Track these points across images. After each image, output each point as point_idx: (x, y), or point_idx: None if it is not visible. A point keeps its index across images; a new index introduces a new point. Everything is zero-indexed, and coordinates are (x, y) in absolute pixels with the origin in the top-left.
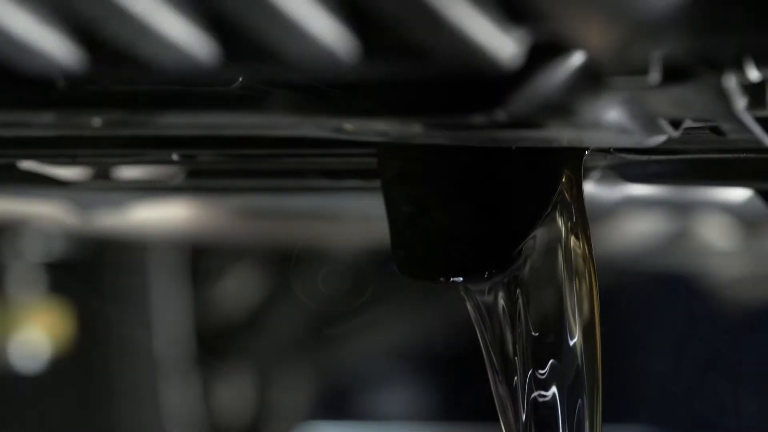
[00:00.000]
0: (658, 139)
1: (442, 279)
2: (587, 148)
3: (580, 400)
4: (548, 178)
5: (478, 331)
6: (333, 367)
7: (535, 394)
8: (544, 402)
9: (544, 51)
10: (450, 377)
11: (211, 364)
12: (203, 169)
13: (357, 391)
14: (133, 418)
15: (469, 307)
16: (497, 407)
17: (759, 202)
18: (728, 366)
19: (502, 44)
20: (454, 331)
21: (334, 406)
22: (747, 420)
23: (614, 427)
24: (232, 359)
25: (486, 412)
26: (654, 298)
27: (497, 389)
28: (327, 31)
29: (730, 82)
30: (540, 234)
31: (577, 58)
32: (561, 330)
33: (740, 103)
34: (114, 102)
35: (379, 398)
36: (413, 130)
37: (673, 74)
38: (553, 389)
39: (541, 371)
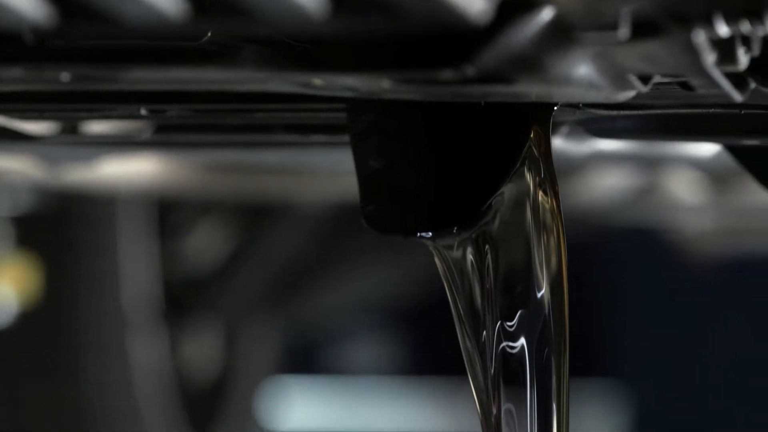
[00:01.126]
0: (628, 95)
1: (410, 234)
2: (556, 104)
3: (547, 353)
4: (517, 133)
5: (446, 286)
6: (301, 322)
7: (504, 344)
8: (511, 354)
9: (513, 6)
10: (418, 331)
11: (179, 318)
12: (171, 123)
13: (325, 345)
14: (101, 371)
15: (437, 261)
16: (465, 361)
17: (727, 157)
18: (696, 319)
19: (472, 0)
20: (422, 286)
21: (302, 361)
22: (714, 371)
23: (582, 380)
24: (200, 313)
25: (454, 366)
26: (622, 252)
27: (465, 343)
28: None
29: (700, 37)
30: (508, 189)
31: (546, 14)
32: (529, 283)
33: (709, 58)
34: (82, 57)
35: (346, 353)
36: (382, 85)
37: (643, 30)
38: (521, 341)
39: (509, 323)
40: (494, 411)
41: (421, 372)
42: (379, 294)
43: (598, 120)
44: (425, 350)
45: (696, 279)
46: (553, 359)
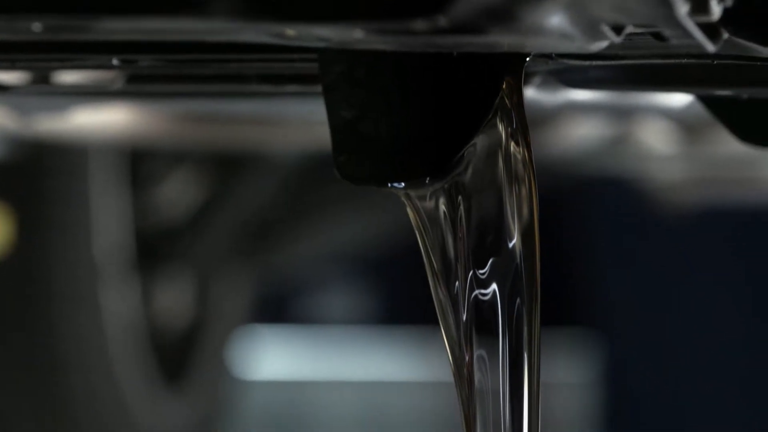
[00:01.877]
0: (600, 45)
1: (383, 184)
2: (528, 54)
3: (518, 301)
4: (489, 83)
5: (418, 237)
6: (273, 271)
7: (476, 293)
8: (483, 302)
9: None
10: (390, 281)
11: (152, 267)
12: (144, 74)
13: (297, 294)
14: (73, 321)
15: (409, 212)
16: (438, 312)
17: (699, 107)
18: (668, 267)
19: None
20: (394, 236)
21: (274, 310)
22: (685, 319)
23: (554, 329)
24: (173, 263)
25: (426, 315)
26: (594, 202)
27: (438, 294)
28: None
29: None
30: (481, 140)
31: None
32: (501, 233)
33: (682, 8)
34: (54, 6)
35: (319, 302)
36: (354, 35)
37: None
38: (493, 290)
39: (481, 271)
40: (466, 359)
41: (393, 321)
42: (352, 243)
43: (570, 70)
44: (397, 299)
45: (667, 228)
46: (524, 308)
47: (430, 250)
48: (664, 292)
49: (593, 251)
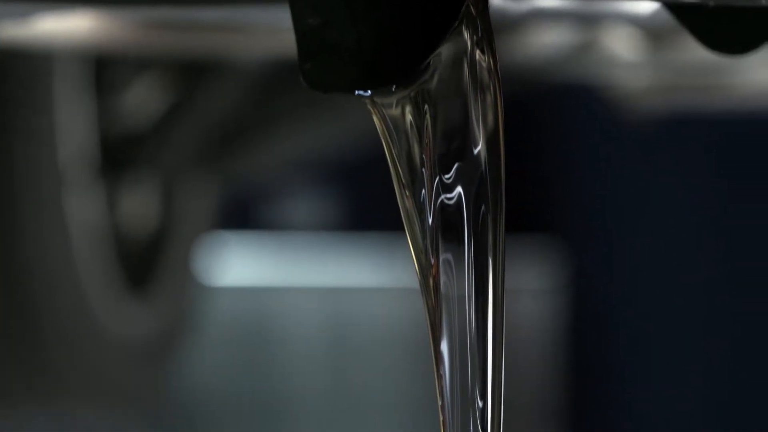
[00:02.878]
0: None
1: (348, 92)
2: None
3: (484, 208)
4: None
5: (384, 144)
6: (239, 178)
7: (441, 199)
8: (449, 209)
9: None
10: (355, 187)
11: (116, 174)
12: None
13: (262, 201)
14: (38, 227)
15: (375, 120)
16: (403, 219)
17: (665, 14)
18: (633, 174)
19: None
20: (360, 143)
21: (240, 216)
22: (650, 226)
23: (519, 236)
24: (137, 169)
25: (391, 221)
26: (560, 109)
27: (404, 203)
28: None
29: None
30: (446, 48)
31: None
32: (466, 140)
33: None
34: None
35: (284, 208)
36: None
37: None
38: (458, 194)
39: (446, 177)
40: (432, 267)
41: (358, 227)
42: (317, 150)
43: None
44: (363, 206)
45: (633, 135)
46: (489, 214)
47: (396, 157)
48: (630, 198)
49: (559, 158)
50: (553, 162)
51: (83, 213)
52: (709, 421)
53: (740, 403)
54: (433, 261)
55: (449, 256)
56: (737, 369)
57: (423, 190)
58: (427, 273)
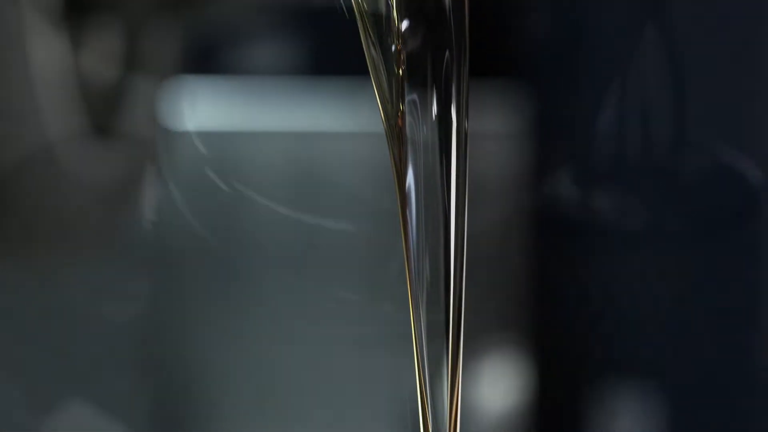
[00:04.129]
0: None
1: None
2: None
3: (448, 54)
4: None
5: None
6: (202, 22)
7: (406, 43)
8: (413, 53)
9: None
10: (319, 31)
11: (80, 18)
12: None
13: (227, 45)
14: (0, 74)
15: None
16: (369, 67)
17: None
18: (597, 16)
19: None
20: None
21: (204, 60)
22: (610, 68)
23: (483, 81)
24: (101, 13)
25: (356, 66)
26: None
27: (370, 51)
28: None
29: None
30: None
31: None
32: None
33: None
34: None
35: (248, 52)
36: None
37: None
38: (422, 38)
39: (410, 22)
40: (397, 114)
41: (323, 72)
42: None
43: None
44: (327, 50)
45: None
46: (453, 59)
47: (360, 3)
48: (595, 42)
49: (521, 1)
50: (516, 5)
51: (46, 57)
52: None
53: None
54: (398, 109)
55: (414, 103)
56: None
57: (388, 38)
58: (393, 121)
